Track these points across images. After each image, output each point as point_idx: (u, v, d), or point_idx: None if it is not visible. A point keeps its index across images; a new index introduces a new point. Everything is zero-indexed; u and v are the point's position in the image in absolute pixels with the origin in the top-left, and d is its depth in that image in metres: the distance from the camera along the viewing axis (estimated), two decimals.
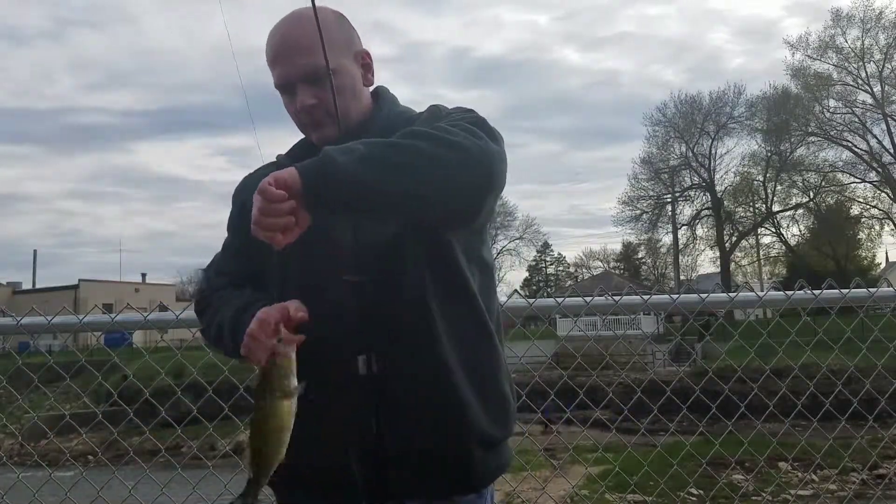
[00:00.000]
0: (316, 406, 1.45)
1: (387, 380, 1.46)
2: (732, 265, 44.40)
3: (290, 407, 1.32)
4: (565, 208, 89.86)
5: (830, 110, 40.76)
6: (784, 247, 44.77)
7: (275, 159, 1.71)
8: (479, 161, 1.37)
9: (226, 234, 1.76)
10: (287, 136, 1.77)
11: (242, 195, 1.67)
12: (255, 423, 1.34)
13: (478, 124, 1.45)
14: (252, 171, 1.75)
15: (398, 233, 1.48)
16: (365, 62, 1.65)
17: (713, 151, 43.84)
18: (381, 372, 1.46)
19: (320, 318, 1.42)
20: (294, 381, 1.33)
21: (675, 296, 2.90)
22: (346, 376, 1.47)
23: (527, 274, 65.61)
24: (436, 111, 1.61)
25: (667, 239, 48.27)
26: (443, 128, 1.40)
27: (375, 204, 1.35)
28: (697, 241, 45.83)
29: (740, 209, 44.75)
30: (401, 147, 1.34)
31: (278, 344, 1.34)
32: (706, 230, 45.20)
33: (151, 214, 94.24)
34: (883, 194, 40.81)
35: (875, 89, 39.19)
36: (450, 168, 1.35)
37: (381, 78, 1.74)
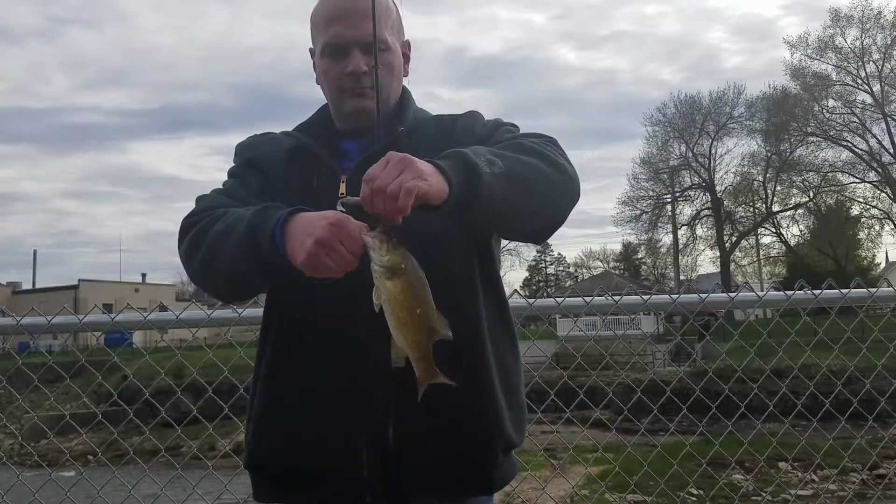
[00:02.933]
0: (336, 401, 1.42)
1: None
2: (732, 265, 44.36)
3: (398, 283, 1.24)
4: None
5: (830, 110, 40.77)
6: (784, 247, 44.74)
7: (278, 132, 1.66)
8: (574, 184, 1.46)
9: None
10: None
11: (253, 151, 1.64)
12: (389, 319, 1.25)
13: (556, 144, 1.49)
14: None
15: (449, 234, 1.45)
16: (405, 52, 1.67)
17: (713, 151, 43.83)
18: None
19: (353, 314, 1.35)
20: (387, 257, 1.24)
21: (675, 296, 2.90)
22: (374, 373, 1.38)
23: (527, 274, 65.73)
24: (480, 118, 1.62)
25: (667, 239, 48.26)
26: (542, 145, 1.44)
27: (498, 220, 1.36)
28: (697, 241, 45.83)
29: (740, 209, 44.70)
30: (528, 165, 1.36)
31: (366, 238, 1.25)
32: (706, 230, 45.19)
33: (148, 214, 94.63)
34: (883, 194, 40.78)
35: (874, 89, 39.22)
36: (558, 190, 1.41)
37: None
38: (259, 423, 1.52)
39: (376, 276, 1.25)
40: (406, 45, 1.67)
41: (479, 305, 1.50)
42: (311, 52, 1.64)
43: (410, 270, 1.25)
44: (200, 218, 1.48)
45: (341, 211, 1.29)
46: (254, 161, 1.61)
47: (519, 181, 1.34)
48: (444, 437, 1.38)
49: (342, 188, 1.49)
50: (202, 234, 1.43)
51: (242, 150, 1.66)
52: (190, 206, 1.60)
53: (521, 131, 1.59)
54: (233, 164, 1.66)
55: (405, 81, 1.68)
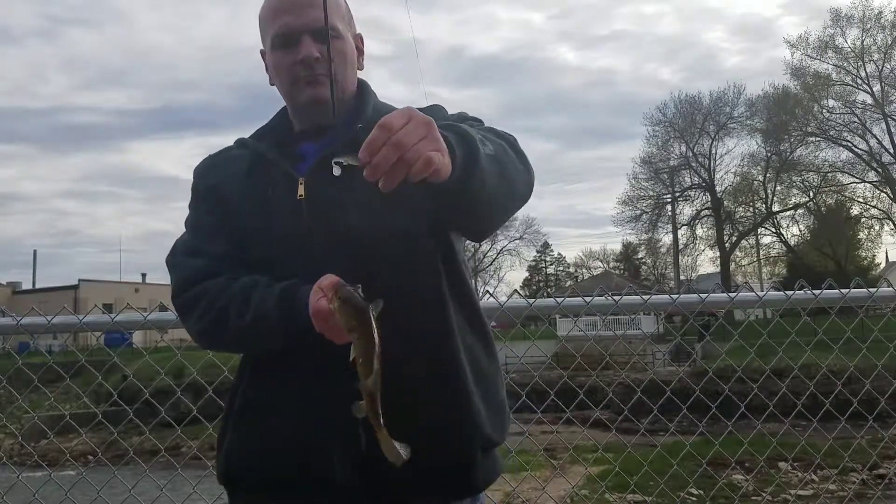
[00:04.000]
0: (308, 407, 1.40)
1: (389, 380, 1.31)
2: (732, 265, 44.38)
3: (354, 338, 1.24)
4: (561, 208, 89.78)
5: (830, 110, 40.79)
6: (784, 247, 44.76)
7: (233, 143, 1.61)
8: (532, 183, 1.44)
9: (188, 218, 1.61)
10: None
11: (210, 178, 1.58)
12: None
13: (517, 142, 1.45)
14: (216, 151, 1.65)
15: (411, 225, 1.42)
16: (359, 46, 1.63)
17: (713, 151, 43.88)
18: (383, 372, 1.33)
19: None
20: (341, 319, 1.24)
21: (675, 296, 2.90)
22: (339, 374, 1.31)
23: (527, 274, 65.77)
24: (443, 112, 1.56)
25: (667, 239, 48.31)
26: (510, 137, 1.42)
27: (472, 207, 1.30)
28: (697, 241, 45.87)
29: (740, 209, 44.73)
30: (507, 153, 1.34)
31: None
32: (706, 230, 45.23)
33: (147, 214, 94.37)
34: (883, 194, 40.79)
35: (875, 89, 39.25)
36: (522, 185, 1.40)
37: (378, 76, 1.72)
38: (235, 430, 1.50)
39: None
40: (359, 39, 1.63)
41: (446, 305, 1.46)
42: (263, 53, 1.61)
43: (362, 325, 1.22)
44: (194, 300, 1.47)
45: (338, 163, 1.25)
46: (211, 189, 1.56)
47: (500, 168, 1.30)
48: (419, 441, 1.31)
49: (300, 190, 1.45)
50: (217, 330, 1.45)
51: (198, 177, 1.61)
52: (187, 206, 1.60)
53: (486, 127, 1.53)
54: (191, 192, 1.61)
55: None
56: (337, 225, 1.41)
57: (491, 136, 1.35)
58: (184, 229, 1.61)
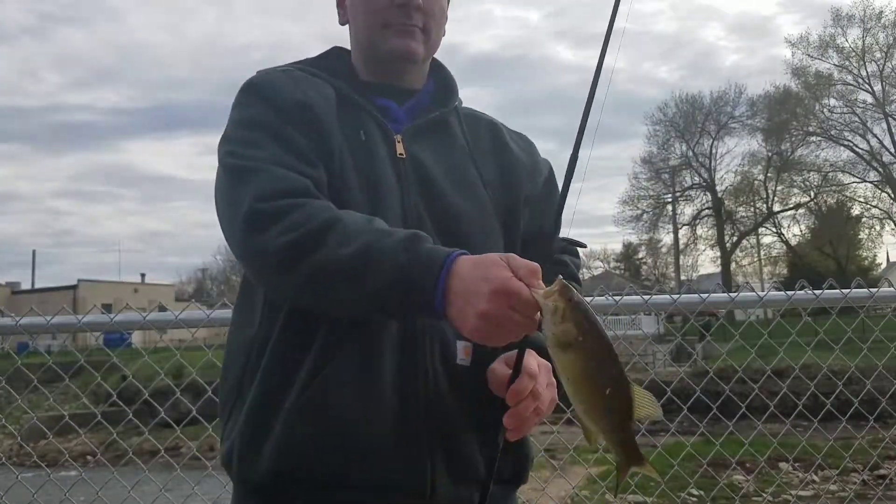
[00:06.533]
0: (394, 400, 1.18)
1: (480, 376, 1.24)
2: (733, 265, 44.40)
3: (571, 358, 1.00)
4: None
5: (831, 109, 40.85)
6: (785, 247, 44.78)
7: (289, 66, 1.36)
8: None
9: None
10: None
11: (300, 93, 1.27)
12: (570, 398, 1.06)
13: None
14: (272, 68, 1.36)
15: (493, 226, 1.36)
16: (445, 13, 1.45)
17: (714, 151, 43.94)
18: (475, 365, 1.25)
19: None
20: (560, 326, 0.98)
21: (675, 296, 2.89)
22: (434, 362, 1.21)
23: None
24: (545, 169, 1.52)
25: (667, 239, 48.28)
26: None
27: None
28: (698, 241, 45.87)
29: (741, 209, 44.78)
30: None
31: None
32: (707, 230, 45.24)
33: (145, 214, 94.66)
34: (883, 194, 40.84)
35: (875, 88, 39.29)
36: None
37: None
38: (296, 423, 1.17)
39: (548, 344, 1.01)
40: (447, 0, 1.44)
41: None
42: None
43: (589, 341, 0.98)
44: (287, 209, 1.12)
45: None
46: (303, 106, 1.25)
47: None
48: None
49: (399, 148, 1.28)
50: (304, 251, 1.09)
51: (284, 88, 1.27)
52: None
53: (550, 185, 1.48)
54: (262, 102, 1.26)
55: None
56: (435, 197, 1.27)
57: None
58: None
